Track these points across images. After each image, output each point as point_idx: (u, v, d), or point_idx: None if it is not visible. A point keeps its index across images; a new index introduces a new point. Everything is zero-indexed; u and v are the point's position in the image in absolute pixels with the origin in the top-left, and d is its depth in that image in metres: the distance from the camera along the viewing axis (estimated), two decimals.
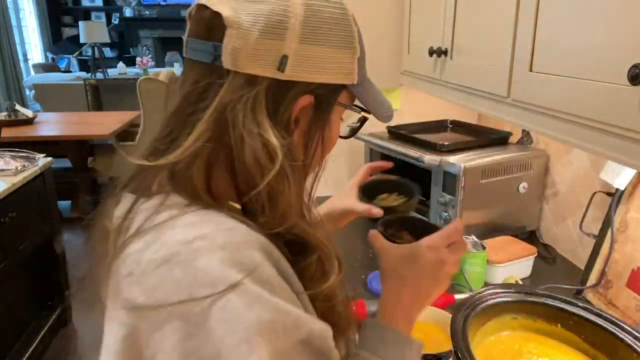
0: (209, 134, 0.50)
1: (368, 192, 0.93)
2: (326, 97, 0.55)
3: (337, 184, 2.05)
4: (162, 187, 0.52)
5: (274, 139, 0.49)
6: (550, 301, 0.90)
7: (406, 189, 0.94)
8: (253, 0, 0.50)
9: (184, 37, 0.56)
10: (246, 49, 0.49)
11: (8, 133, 3.44)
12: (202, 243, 0.44)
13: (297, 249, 0.53)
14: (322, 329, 0.49)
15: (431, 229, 0.79)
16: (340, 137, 0.63)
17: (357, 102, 0.62)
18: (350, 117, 0.64)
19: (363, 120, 0.64)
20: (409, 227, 0.86)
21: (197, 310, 0.42)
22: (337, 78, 0.55)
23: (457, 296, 1.13)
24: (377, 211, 0.87)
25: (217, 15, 0.50)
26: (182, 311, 0.42)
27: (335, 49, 0.53)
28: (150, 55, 8.35)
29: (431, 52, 1.41)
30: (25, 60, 7.91)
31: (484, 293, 0.89)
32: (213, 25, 0.51)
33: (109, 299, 0.48)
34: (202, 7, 0.53)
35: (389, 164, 0.98)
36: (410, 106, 1.93)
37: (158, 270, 0.44)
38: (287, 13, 0.50)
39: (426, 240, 0.68)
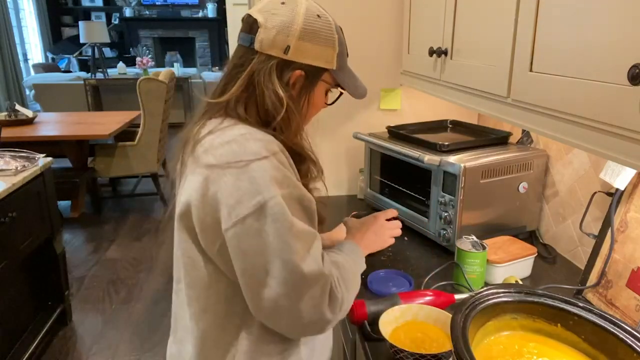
0: (244, 86, 0.87)
1: None
2: (312, 73, 0.89)
3: (339, 180, 2.05)
4: (220, 114, 0.88)
5: (280, 91, 0.85)
6: (550, 301, 0.90)
7: None
8: (275, 14, 0.86)
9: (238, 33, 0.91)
10: (267, 40, 0.85)
11: (8, 133, 3.44)
12: (249, 136, 0.81)
13: (296, 159, 0.87)
14: (310, 197, 0.83)
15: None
16: (327, 104, 0.98)
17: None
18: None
19: (340, 94, 0.99)
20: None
21: (243, 165, 0.77)
22: (321, 63, 0.89)
23: (457, 296, 1.13)
24: None
25: (255, 20, 0.87)
26: (236, 166, 0.77)
27: (320, 46, 0.88)
28: (150, 55, 8.36)
29: (431, 52, 1.41)
30: (25, 60, 7.91)
31: (484, 293, 0.89)
32: (252, 26, 0.88)
33: (189, 167, 0.84)
34: (249, 15, 0.89)
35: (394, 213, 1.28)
36: (410, 106, 1.93)
37: (223, 146, 0.79)
38: (291, 24, 0.85)
39: (371, 215, 1.17)
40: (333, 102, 0.99)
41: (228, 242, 0.77)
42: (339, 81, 0.94)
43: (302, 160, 0.89)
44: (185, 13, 9.33)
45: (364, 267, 1.00)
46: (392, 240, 1.16)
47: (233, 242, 0.76)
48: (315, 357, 0.96)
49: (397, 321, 1.04)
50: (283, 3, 0.87)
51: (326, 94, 0.96)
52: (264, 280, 0.75)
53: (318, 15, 0.88)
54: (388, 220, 1.17)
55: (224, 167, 0.77)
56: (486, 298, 0.88)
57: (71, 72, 7.73)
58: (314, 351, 0.96)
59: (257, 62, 0.86)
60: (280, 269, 0.75)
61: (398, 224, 1.17)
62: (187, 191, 0.82)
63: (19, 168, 2.17)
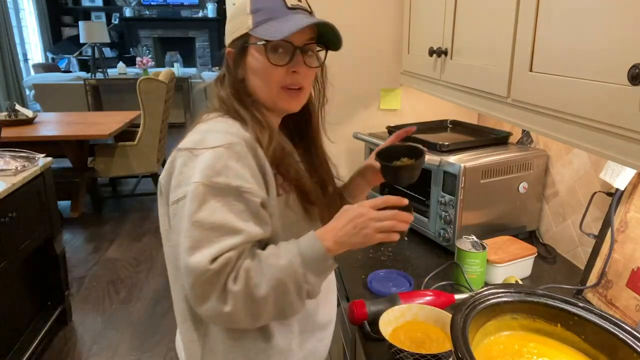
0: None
1: (383, 156, 1.08)
2: (239, 46, 0.91)
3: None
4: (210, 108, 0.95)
5: (226, 74, 0.94)
6: (550, 301, 0.90)
7: (415, 152, 1.08)
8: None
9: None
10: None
11: (8, 133, 3.44)
12: (213, 127, 0.88)
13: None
14: (255, 190, 0.82)
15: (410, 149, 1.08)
16: (272, 63, 0.89)
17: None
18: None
19: (277, 46, 0.88)
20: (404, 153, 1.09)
21: (194, 154, 0.82)
22: (238, 33, 0.90)
23: (457, 296, 1.13)
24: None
25: None
26: (190, 153, 0.83)
27: (234, 19, 0.91)
28: (150, 55, 8.35)
29: (431, 52, 1.41)
30: (25, 60, 7.91)
31: (484, 293, 0.89)
32: None
33: None
34: None
35: (412, 129, 1.19)
36: (410, 106, 1.93)
37: (192, 135, 0.87)
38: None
39: (360, 202, 0.92)
40: (269, 59, 0.88)
41: (171, 219, 0.85)
42: (259, 35, 0.88)
43: (251, 126, 0.89)
44: (185, 13, 9.32)
45: (322, 266, 0.83)
46: (384, 237, 0.86)
47: (171, 221, 0.85)
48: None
49: (397, 321, 1.04)
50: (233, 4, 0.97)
51: (267, 54, 0.88)
52: (178, 259, 0.81)
53: (233, 3, 0.97)
54: (391, 209, 0.88)
55: (182, 151, 0.84)
56: (486, 298, 0.88)
57: (71, 72, 7.73)
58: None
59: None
60: (180, 253, 0.80)
61: (397, 215, 0.87)
62: (164, 168, 0.89)
63: (19, 168, 2.17)
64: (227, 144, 0.82)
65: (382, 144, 1.14)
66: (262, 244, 0.87)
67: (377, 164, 1.09)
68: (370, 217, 0.85)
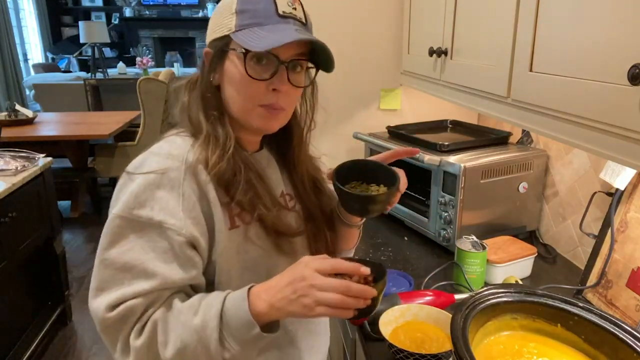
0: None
1: (342, 173, 0.89)
2: (218, 47, 0.79)
3: None
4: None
5: (198, 77, 0.83)
6: (550, 301, 0.90)
7: (390, 178, 0.89)
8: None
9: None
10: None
11: (8, 133, 3.44)
12: (157, 150, 0.79)
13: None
14: (178, 227, 0.72)
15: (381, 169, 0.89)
16: (250, 75, 0.77)
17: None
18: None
19: (257, 57, 0.76)
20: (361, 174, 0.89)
21: (131, 178, 0.75)
22: (219, 33, 0.79)
23: (457, 296, 1.13)
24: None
25: None
26: (128, 177, 0.76)
27: (217, 18, 0.80)
28: (150, 55, 8.36)
29: (431, 52, 1.41)
30: (25, 60, 7.91)
31: (484, 293, 0.89)
32: None
33: None
34: None
35: (417, 150, 1.01)
36: (410, 106, 1.93)
37: (139, 156, 0.79)
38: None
39: (310, 257, 0.72)
40: (246, 70, 0.76)
41: None
42: (239, 41, 0.75)
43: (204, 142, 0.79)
44: (185, 13, 9.32)
45: (242, 332, 0.68)
46: (323, 312, 0.66)
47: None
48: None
49: (397, 321, 1.04)
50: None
51: (247, 64, 0.76)
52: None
53: None
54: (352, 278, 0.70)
55: (124, 174, 0.77)
56: (486, 298, 0.88)
57: (71, 72, 7.72)
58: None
59: None
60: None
61: (348, 288, 0.66)
62: None
63: (19, 168, 2.17)
64: (162, 169, 0.74)
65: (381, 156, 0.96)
66: (208, 289, 0.77)
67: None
68: (311, 284, 0.66)
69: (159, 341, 0.69)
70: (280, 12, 0.76)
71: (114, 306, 0.70)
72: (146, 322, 0.70)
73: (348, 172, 0.88)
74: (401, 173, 0.89)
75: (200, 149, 0.77)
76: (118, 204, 0.73)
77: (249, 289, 0.71)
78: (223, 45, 0.78)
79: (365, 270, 0.69)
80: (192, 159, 0.76)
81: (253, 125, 0.80)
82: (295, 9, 0.78)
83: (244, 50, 0.75)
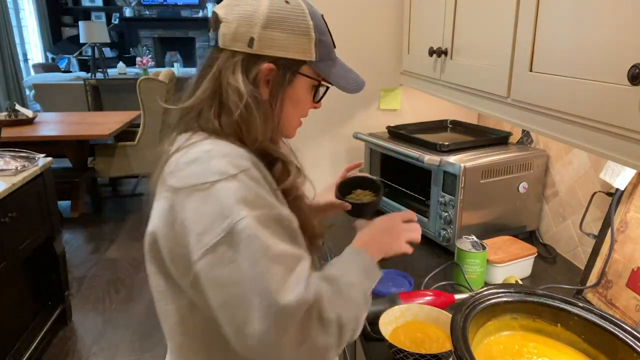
0: (211, 89, 0.79)
1: (342, 189, 1.12)
2: (287, 66, 0.79)
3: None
4: (191, 127, 0.80)
5: (242, 87, 0.76)
6: (550, 301, 0.90)
7: (374, 186, 1.12)
8: (237, 4, 0.79)
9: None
10: (229, 34, 0.78)
11: (8, 133, 3.44)
12: (214, 152, 0.72)
13: (267, 162, 0.79)
14: (289, 214, 0.74)
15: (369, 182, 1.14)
16: (315, 103, 0.88)
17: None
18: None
19: (327, 88, 0.87)
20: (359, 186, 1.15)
21: (208, 187, 0.68)
22: (295, 54, 0.79)
23: (457, 296, 1.13)
24: (347, 205, 1.09)
25: (217, 15, 0.80)
26: (201, 189, 0.68)
27: (291, 35, 0.78)
28: (150, 55, 8.35)
29: (431, 52, 1.41)
30: (25, 60, 7.91)
31: (484, 293, 0.89)
32: (216, 22, 0.80)
33: (158, 189, 0.76)
34: (214, 12, 0.81)
35: (360, 163, 1.27)
36: (410, 106, 1.93)
37: (188, 166, 0.71)
38: (254, 13, 0.77)
39: (385, 215, 0.98)
40: (319, 100, 0.88)
41: (199, 273, 0.67)
42: (322, 74, 0.83)
43: (273, 162, 0.80)
44: (185, 13, 9.32)
45: (375, 274, 0.84)
46: (409, 248, 0.94)
47: (205, 274, 0.67)
48: None
49: (397, 321, 1.04)
50: None
51: (314, 91, 0.85)
52: (244, 314, 0.64)
53: (286, 1, 0.79)
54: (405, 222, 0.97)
55: (188, 190, 0.69)
56: (486, 298, 0.88)
57: (71, 72, 7.73)
58: None
59: (222, 60, 0.79)
60: (258, 300, 0.64)
61: (417, 226, 0.98)
62: (154, 219, 0.75)
63: (19, 168, 2.17)
64: (245, 169, 0.71)
65: (337, 178, 1.16)
66: None
67: (331, 201, 1.12)
68: (403, 228, 0.95)
69: (338, 292, 0.73)
70: (334, 44, 0.86)
71: (306, 289, 0.67)
72: (319, 285, 0.71)
73: (346, 185, 1.14)
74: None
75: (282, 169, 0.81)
76: (233, 211, 0.66)
77: (354, 246, 0.88)
78: (295, 66, 0.80)
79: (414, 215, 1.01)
80: (253, 157, 0.75)
81: (290, 135, 0.89)
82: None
83: (324, 84, 0.85)
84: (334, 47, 0.86)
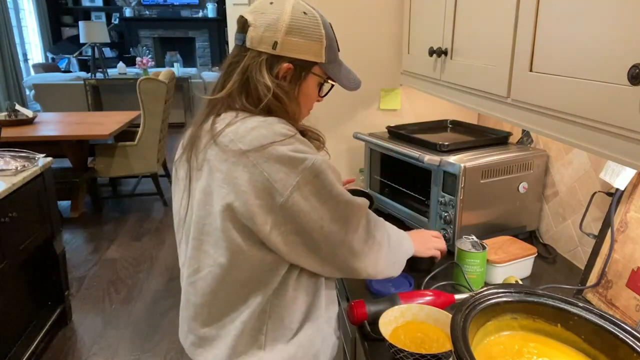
0: (239, 81, 0.94)
1: None
2: (301, 66, 0.96)
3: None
4: (231, 108, 0.95)
5: (268, 81, 0.92)
6: (550, 301, 0.90)
7: (366, 198, 1.18)
8: (263, 13, 0.93)
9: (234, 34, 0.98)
10: (257, 37, 0.93)
11: (8, 133, 3.45)
12: (271, 120, 0.90)
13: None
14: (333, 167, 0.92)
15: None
16: (319, 98, 1.04)
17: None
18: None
19: (332, 86, 1.04)
20: None
21: (279, 143, 0.85)
22: (309, 57, 0.95)
23: (457, 296, 1.13)
24: None
25: (246, 20, 0.94)
26: (267, 150, 0.85)
27: (307, 41, 0.94)
28: (150, 55, 8.36)
29: (431, 52, 1.41)
30: (25, 60, 7.91)
31: (484, 293, 0.89)
32: (244, 25, 0.95)
33: (213, 159, 0.89)
34: (241, 16, 0.95)
35: (352, 179, 1.50)
36: (410, 106, 1.93)
37: (250, 133, 0.87)
38: (278, 21, 0.92)
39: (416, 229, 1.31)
40: (325, 95, 1.04)
41: (289, 210, 0.85)
42: (329, 74, 1.00)
43: (304, 134, 0.98)
44: (185, 13, 9.33)
45: (409, 246, 1.12)
46: (436, 252, 1.24)
47: (295, 209, 0.85)
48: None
49: (397, 321, 1.04)
50: (271, 3, 0.94)
51: (319, 87, 1.02)
52: (330, 227, 0.87)
53: (304, 12, 0.94)
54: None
55: (259, 149, 0.85)
56: (486, 298, 0.88)
57: (71, 72, 7.73)
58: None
59: (249, 58, 0.94)
60: (341, 211, 0.88)
61: (443, 240, 1.28)
62: (225, 181, 0.87)
63: (19, 168, 2.17)
64: (294, 132, 0.90)
65: None
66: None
67: None
68: (432, 238, 1.26)
69: (385, 230, 1.02)
70: (339, 48, 1.02)
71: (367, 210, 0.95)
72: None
73: None
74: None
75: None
76: (308, 155, 0.86)
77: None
78: (307, 66, 0.96)
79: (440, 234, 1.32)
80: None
81: (297, 125, 1.01)
82: None
83: (331, 82, 1.02)
84: (339, 51, 1.02)
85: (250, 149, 0.85)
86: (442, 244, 1.26)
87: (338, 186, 0.88)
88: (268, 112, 0.93)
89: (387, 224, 1.06)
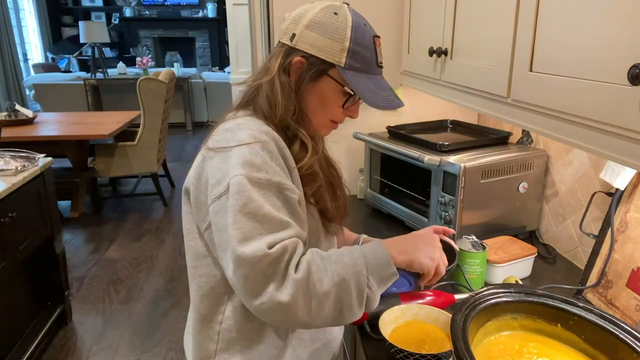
0: (262, 72, 0.94)
1: None
2: (315, 64, 0.90)
3: None
4: (241, 107, 0.95)
5: (274, 68, 0.90)
6: (550, 301, 0.90)
7: (451, 252, 1.03)
8: (299, 9, 0.92)
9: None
10: (283, 29, 0.93)
11: (8, 133, 3.44)
12: (244, 125, 0.86)
13: (290, 138, 0.90)
14: (292, 188, 0.83)
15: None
16: (342, 107, 0.95)
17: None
18: None
19: (349, 97, 0.93)
20: None
21: (228, 150, 0.82)
22: (325, 55, 0.89)
23: (457, 296, 1.13)
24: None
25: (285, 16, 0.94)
26: (223, 151, 0.83)
27: (325, 38, 0.89)
28: (150, 55, 8.36)
29: (431, 52, 1.41)
30: (25, 60, 7.91)
31: (484, 293, 0.89)
32: (284, 20, 0.94)
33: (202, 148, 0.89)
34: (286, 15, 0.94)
35: (449, 231, 1.10)
36: (411, 106, 1.93)
37: (221, 133, 0.86)
38: (303, 15, 0.91)
39: (431, 227, 1.04)
40: (344, 104, 0.94)
41: (210, 219, 0.82)
42: (348, 81, 0.90)
43: (293, 140, 0.90)
44: (185, 13, 9.33)
45: (382, 265, 0.84)
46: (432, 266, 0.91)
47: (211, 219, 0.82)
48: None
49: (397, 321, 1.04)
50: (312, 2, 0.94)
51: (345, 97, 0.92)
52: (225, 257, 0.79)
53: (335, 13, 0.90)
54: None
55: (215, 150, 0.84)
56: (486, 298, 0.88)
57: (71, 72, 7.73)
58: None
59: (276, 49, 0.94)
60: (229, 247, 0.77)
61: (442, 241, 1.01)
62: (190, 172, 0.89)
63: (19, 168, 2.17)
64: (262, 141, 0.82)
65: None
66: None
67: None
68: (438, 243, 0.97)
69: (315, 278, 0.77)
70: (379, 63, 0.94)
71: (272, 245, 0.76)
72: (300, 261, 0.78)
73: None
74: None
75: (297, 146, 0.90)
76: (236, 168, 0.79)
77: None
78: (323, 67, 0.90)
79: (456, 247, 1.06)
80: (278, 137, 0.86)
81: (318, 132, 0.97)
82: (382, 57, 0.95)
83: (350, 92, 0.91)
84: (378, 65, 0.93)
85: (211, 148, 0.85)
86: (439, 253, 0.96)
87: (236, 220, 0.76)
88: (266, 110, 0.89)
89: (334, 263, 0.81)
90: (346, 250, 0.85)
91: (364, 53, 0.90)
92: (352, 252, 0.84)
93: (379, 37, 0.94)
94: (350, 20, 0.90)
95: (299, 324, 0.79)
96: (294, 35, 0.90)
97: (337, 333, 1.06)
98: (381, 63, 0.94)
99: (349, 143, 1.87)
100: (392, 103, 0.92)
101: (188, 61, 9.20)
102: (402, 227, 1.61)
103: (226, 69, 8.08)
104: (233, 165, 0.79)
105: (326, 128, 0.98)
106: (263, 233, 0.76)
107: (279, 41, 0.94)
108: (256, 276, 0.75)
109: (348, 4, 0.94)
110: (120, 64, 7.10)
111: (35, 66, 7.70)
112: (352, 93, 0.92)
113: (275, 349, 0.92)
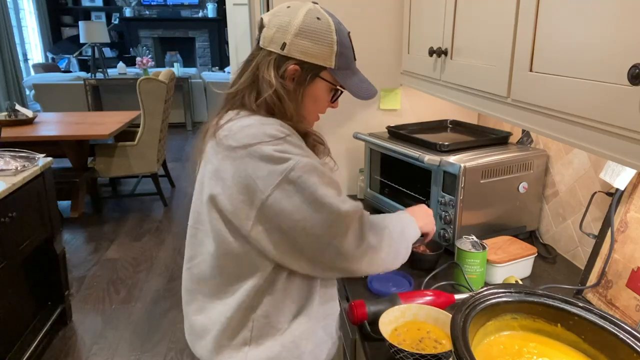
0: (250, 78, 0.97)
1: None
2: (309, 69, 0.96)
3: (339, 180, 2.05)
4: (238, 106, 0.98)
5: (273, 79, 0.94)
6: (550, 301, 0.90)
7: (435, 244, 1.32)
8: (278, 15, 0.96)
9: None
10: (268, 37, 0.96)
11: (8, 133, 3.45)
12: (264, 121, 0.91)
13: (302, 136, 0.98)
14: (328, 166, 0.98)
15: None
16: (331, 104, 1.04)
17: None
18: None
19: (340, 92, 1.02)
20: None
21: (266, 143, 0.87)
22: (317, 60, 0.96)
23: (457, 296, 1.13)
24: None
25: (262, 20, 0.98)
26: (253, 148, 0.87)
27: (316, 44, 0.95)
28: (150, 55, 8.36)
29: (431, 52, 1.41)
30: (25, 60, 7.91)
31: (484, 293, 0.89)
32: (261, 26, 0.98)
33: (210, 151, 0.94)
34: (261, 17, 0.99)
35: None
36: (410, 106, 1.93)
37: (242, 130, 0.89)
38: (289, 24, 0.94)
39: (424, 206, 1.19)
40: (334, 99, 1.04)
41: (269, 208, 0.86)
42: (339, 80, 0.99)
43: (305, 138, 0.99)
44: (185, 13, 9.33)
45: (414, 232, 1.05)
46: (433, 229, 1.16)
47: (275, 207, 0.85)
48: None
49: (397, 321, 1.04)
50: (288, 7, 0.97)
51: (332, 94, 1.01)
52: (314, 230, 0.85)
53: (318, 18, 0.95)
54: None
55: (246, 147, 0.87)
56: (486, 298, 0.88)
57: (71, 72, 7.73)
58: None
59: (261, 56, 0.97)
60: (325, 214, 0.85)
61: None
62: (214, 173, 0.91)
63: (19, 168, 2.17)
64: (287, 134, 0.90)
65: None
66: None
67: None
68: (429, 214, 1.16)
69: (381, 226, 0.95)
70: (355, 57, 1.02)
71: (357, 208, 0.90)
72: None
73: None
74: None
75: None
76: (291, 156, 0.86)
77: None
78: (315, 70, 0.96)
79: None
80: (291, 130, 0.93)
81: (308, 126, 1.02)
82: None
83: (339, 88, 1.00)
84: (355, 60, 1.02)
85: (238, 146, 0.87)
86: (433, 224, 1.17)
87: (322, 189, 0.86)
88: (269, 111, 0.95)
89: (389, 219, 1.01)
90: (390, 216, 1.04)
91: (347, 52, 0.99)
92: (397, 217, 1.05)
93: (349, 32, 1.01)
94: (331, 23, 0.96)
95: (387, 262, 0.96)
96: (284, 44, 0.94)
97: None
98: (355, 56, 1.04)
99: (349, 143, 1.87)
100: (371, 92, 1.04)
101: (188, 61, 9.20)
102: None
103: (226, 69, 8.09)
104: (287, 152, 0.86)
105: (314, 121, 1.06)
106: (339, 194, 0.89)
107: (264, 48, 0.96)
108: (360, 225, 0.89)
109: (317, 3, 1.00)
110: (120, 64, 7.10)
111: (35, 66, 7.70)
112: (341, 89, 1.01)
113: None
